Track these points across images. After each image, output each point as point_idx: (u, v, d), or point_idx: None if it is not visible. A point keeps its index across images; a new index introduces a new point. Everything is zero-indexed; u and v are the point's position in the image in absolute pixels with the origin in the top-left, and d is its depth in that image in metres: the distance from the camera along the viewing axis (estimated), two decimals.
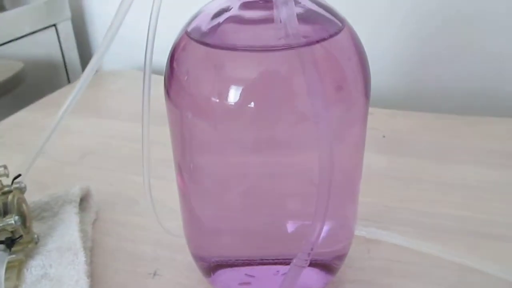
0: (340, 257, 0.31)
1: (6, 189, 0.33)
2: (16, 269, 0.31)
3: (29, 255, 0.32)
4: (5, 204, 0.32)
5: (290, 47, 0.21)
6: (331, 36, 0.23)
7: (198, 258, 0.31)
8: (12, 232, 0.32)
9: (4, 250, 0.32)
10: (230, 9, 0.24)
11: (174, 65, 0.25)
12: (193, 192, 0.28)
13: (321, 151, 0.22)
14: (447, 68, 0.59)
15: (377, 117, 0.52)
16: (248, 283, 0.30)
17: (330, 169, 0.23)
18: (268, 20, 0.24)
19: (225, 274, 0.30)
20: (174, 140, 0.27)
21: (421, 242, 0.34)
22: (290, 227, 0.28)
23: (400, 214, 0.38)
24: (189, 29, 0.24)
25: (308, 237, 0.25)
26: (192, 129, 0.25)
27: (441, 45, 0.58)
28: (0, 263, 0.31)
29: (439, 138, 0.50)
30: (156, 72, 0.27)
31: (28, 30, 0.67)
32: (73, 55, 0.76)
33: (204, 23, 0.24)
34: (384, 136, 0.50)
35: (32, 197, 0.37)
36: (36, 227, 0.35)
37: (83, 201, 0.39)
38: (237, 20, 0.24)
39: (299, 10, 0.23)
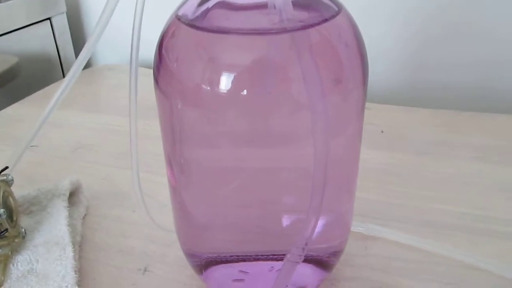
0: (336, 254, 0.30)
1: None
2: (1, 264, 0.30)
3: (15, 250, 0.31)
4: None
5: (285, 31, 0.20)
6: (327, 20, 0.22)
7: (190, 255, 0.30)
8: None
9: None
10: None
11: (163, 52, 0.24)
12: (183, 186, 0.27)
13: (316, 142, 0.21)
14: (446, 63, 0.58)
15: (375, 113, 0.52)
16: (242, 280, 0.29)
17: (325, 161, 0.22)
18: (260, 6, 0.23)
19: (218, 271, 0.29)
20: (164, 132, 0.26)
21: (420, 239, 0.33)
22: (285, 221, 0.28)
23: (398, 210, 0.37)
24: (179, 13, 0.23)
25: (302, 232, 0.24)
26: (182, 119, 0.24)
27: (440, 39, 0.57)
28: None
29: (438, 133, 0.49)
30: (148, 65, 0.26)
31: (22, 24, 0.66)
32: (68, 49, 0.75)
33: (194, 8, 0.23)
34: (382, 131, 0.49)
35: (22, 191, 0.36)
36: (24, 222, 0.34)
37: (73, 195, 0.38)
38: (227, 5, 0.23)
39: None
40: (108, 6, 0.25)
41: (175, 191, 0.28)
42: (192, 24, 0.22)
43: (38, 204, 0.36)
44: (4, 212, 0.30)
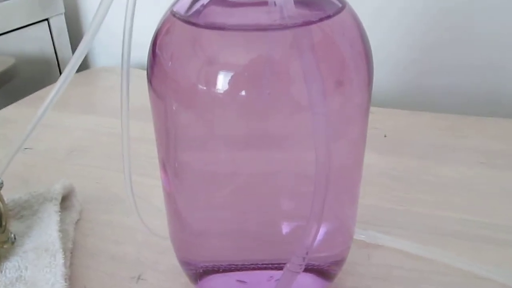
0: (338, 263, 0.28)
1: None
2: None
3: (4, 256, 0.30)
4: None
5: (285, 27, 0.19)
6: (330, 16, 0.20)
7: (184, 263, 0.29)
8: None
9: None
10: None
11: (157, 50, 0.22)
12: (178, 191, 0.26)
13: (318, 146, 0.20)
14: (449, 67, 0.57)
15: (378, 116, 0.50)
16: None
17: (328, 166, 0.21)
18: (259, 3, 0.22)
19: (214, 280, 0.28)
20: (158, 135, 0.25)
21: (423, 247, 0.32)
22: (285, 229, 0.26)
23: (401, 217, 0.36)
24: (174, 9, 0.22)
25: (303, 240, 0.23)
26: (177, 121, 0.23)
27: (443, 43, 0.56)
28: None
29: (441, 138, 0.48)
30: (144, 67, 0.25)
31: (19, 24, 0.65)
32: (66, 50, 0.74)
33: (190, 3, 0.22)
34: (385, 136, 0.48)
35: (14, 195, 0.35)
36: (15, 226, 0.33)
37: (66, 199, 0.37)
38: (223, 2, 0.22)
39: None
40: (101, 7, 0.24)
41: (169, 196, 0.27)
42: (188, 20, 0.21)
43: (29, 209, 0.34)
44: None
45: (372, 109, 0.26)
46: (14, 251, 0.31)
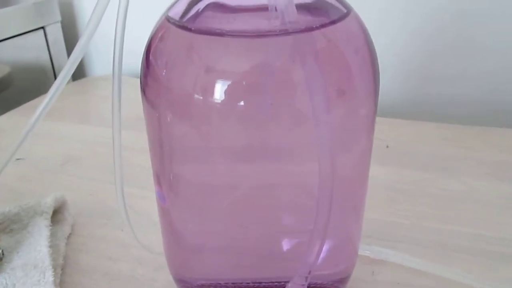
0: (342, 280, 0.27)
1: None
2: None
3: None
4: None
5: (287, 33, 0.18)
6: (334, 22, 0.19)
7: (180, 280, 0.27)
8: None
9: None
10: None
11: (151, 58, 0.21)
12: (173, 205, 0.25)
13: (321, 159, 0.19)
14: (451, 76, 0.56)
15: (379, 126, 0.49)
16: None
17: (332, 180, 0.19)
18: (259, 9, 0.20)
19: None
20: (152, 146, 0.24)
21: (430, 263, 0.31)
22: (286, 245, 0.25)
23: (406, 231, 0.35)
24: (169, 14, 0.21)
25: (305, 257, 0.22)
26: (172, 133, 0.22)
27: (446, 52, 0.55)
28: None
29: (445, 148, 0.46)
30: (138, 75, 0.24)
31: (15, 32, 0.64)
32: (62, 59, 0.73)
33: (186, 8, 0.21)
34: (387, 146, 0.47)
35: (5, 207, 0.34)
36: (4, 241, 0.32)
37: (58, 212, 0.35)
38: (221, 7, 0.21)
39: None
40: (94, 15, 0.23)
41: (164, 210, 0.26)
42: (184, 25, 0.20)
43: (19, 222, 0.33)
44: None
45: None
46: (2, 267, 0.29)
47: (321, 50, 0.19)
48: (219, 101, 0.20)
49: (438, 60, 0.56)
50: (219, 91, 0.19)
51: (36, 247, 0.30)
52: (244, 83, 0.19)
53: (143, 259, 0.32)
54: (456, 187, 0.40)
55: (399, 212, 0.37)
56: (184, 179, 0.23)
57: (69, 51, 0.74)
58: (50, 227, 0.33)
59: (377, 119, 0.51)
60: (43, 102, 0.28)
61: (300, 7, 0.20)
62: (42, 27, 0.69)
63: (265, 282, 0.25)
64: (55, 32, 0.71)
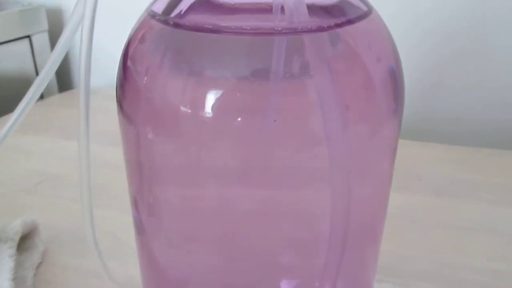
0: None
1: None
2: None
3: None
4: None
5: (295, 32, 0.15)
6: (353, 22, 0.16)
7: None
8: None
9: None
10: None
11: (129, 63, 0.18)
12: (153, 234, 0.21)
13: (335, 186, 0.15)
14: (458, 96, 0.53)
15: None
16: None
17: (347, 211, 0.16)
18: (260, 10, 0.17)
19: None
20: (129, 166, 0.20)
21: None
22: (284, 286, 0.21)
23: (419, 265, 0.31)
24: (153, 9, 0.18)
25: None
26: (153, 152, 0.18)
27: (453, 71, 0.52)
28: None
29: (457, 173, 0.43)
30: None
31: None
32: None
33: (173, 3, 0.17)
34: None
35: None
36: None
37: (27, 239, 0.31)
38: (214, 6, 0.17)
39: None
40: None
41: (142, 239, 0.22)
42: (171, 21, 0.17)
43: None
44: None
45: None
46: None
47: (336, 56, 0.15)
48: (212, 116, 0.16)
49: (444, 84, 0.53)
50: (212, 103, 0.16)
51: None
52: (242, 93, 0.16)
53: None
54: (472, 216, 0.37)
55: (411, 243, 0.33)
56: (166, 204, 0.20)
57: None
58: (16, 256, 0.29)
59: None
60: (10, 120, 0.25)
61: (313, 8, 0.16)
62: (28, 36, 0.65)
63: None
64: (42, 41, 0.67)
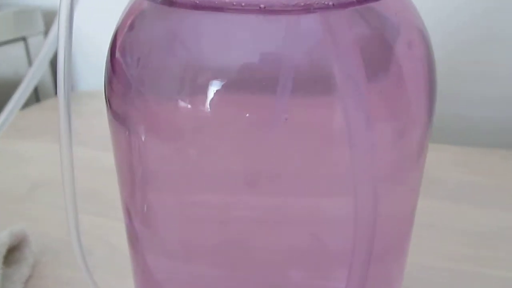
0: None
1: None
2: None
3: None
4: None
5: (311, 10, 0.12)
6: None
7: None
8: None
9: None
10: None
11: (117, 54, 0.15)
12: (147, 243, 0.19)
13: (359, 193, 0.13)
14: (469, 95, 0.51)
15: None
16: None
17: (373, 223, 0.14)
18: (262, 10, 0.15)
19: None
20: (120, 170, 0.18)
21: None
22: None
23: (439, 277, 0.29)
24: None
25: None
26: (146, 155, 0.16)
27: (466, 70, 0.50)
28: None
29: (473, 176, 0.41)
30: None
31: None
32: (44, 73, 0.67)
33: None
34: None
35: None
36: None
37: (17, 250, 0.29)
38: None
39: None
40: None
41: (135, 249, 0.20)
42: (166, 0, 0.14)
43: None
44: None
45: None
46: None
47: (360, 40, 0.13)
48: (215, 112, 0.14)
49: (455, 82, 0.51)
50: (215, 96, 0.14)
51: None
52: (250, 86, 0.14)
53: None
54: (491, 222, 0.34)
55: (430, 253, 0.31)
56: (161, 211, 0.18)
57: (52, 65, 0.68)
58: (2, 270, 0.26)
59: None
60: None
61: None
62: (23, 38, 0.64)
63: None
64: (38, 44, 0.66)
